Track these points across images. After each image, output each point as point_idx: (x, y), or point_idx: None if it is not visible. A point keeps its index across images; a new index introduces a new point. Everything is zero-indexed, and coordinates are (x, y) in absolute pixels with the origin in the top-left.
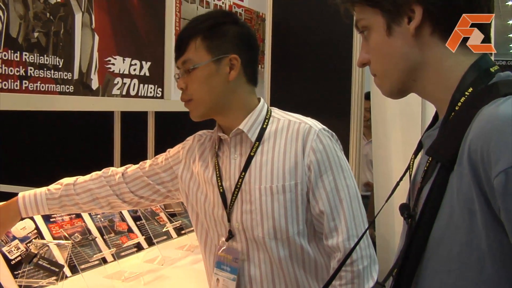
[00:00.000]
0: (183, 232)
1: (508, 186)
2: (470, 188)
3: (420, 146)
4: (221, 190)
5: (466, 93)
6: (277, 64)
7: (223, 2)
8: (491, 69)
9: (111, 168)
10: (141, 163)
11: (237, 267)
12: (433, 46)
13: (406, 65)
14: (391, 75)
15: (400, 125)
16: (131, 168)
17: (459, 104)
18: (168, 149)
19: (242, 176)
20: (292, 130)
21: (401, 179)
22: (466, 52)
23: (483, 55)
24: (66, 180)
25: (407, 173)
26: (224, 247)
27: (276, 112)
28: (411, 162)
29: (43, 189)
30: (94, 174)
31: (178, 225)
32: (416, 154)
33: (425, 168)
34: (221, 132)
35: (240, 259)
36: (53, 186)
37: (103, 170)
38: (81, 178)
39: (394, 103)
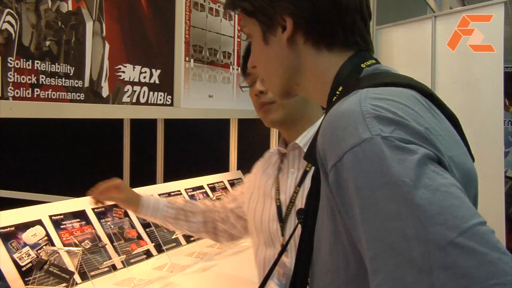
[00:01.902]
0: (192, 239)
1: (338, 180)
2: (326, 188)
3: None
4: (277, 204)
5: (337, 92)
6: None
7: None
8: (361, 64)
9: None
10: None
11: (283, 282)
12: (307, 53)
13: (285, 71)
14: (273, 80)
15: None
16: (232, 204)
17: (332, 103)
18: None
19: (296, 191)
20: None
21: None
22: (338, 54)
23: (356, 53)
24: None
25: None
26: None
27: None
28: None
29: (164, 199)
30: (205, 202)
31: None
32: None
33: (313, 173)
34: (282, 145)
35: (286, 277)
36: (171, 198)
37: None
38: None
39: None
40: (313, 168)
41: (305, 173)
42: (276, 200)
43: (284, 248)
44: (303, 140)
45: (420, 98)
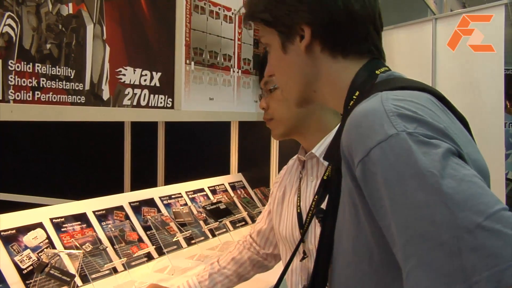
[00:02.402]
0: (193, 242)
1: (366, 174)
2: (349, 183)
3: None
4: (298, 211)
5: (354, 96)
6: None
7: (232, 13)
8: (376, 71)
9: (242, 237)
10: (262, 214)
11: None
12: (324, 61)
13: (302, 79)
14: (291, 88)
15: None
16: (258, 226)
17: (349, 107)
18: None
19: (315, 199)
20: None
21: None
22: (353, 61)
23: (370, 60)
24: (209, 262)
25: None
26: (299, 266)
27: None
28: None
29: (193, 277)
30: (231, 248)
31: (188, 235)
32: None
33: (331, 173)
34: (303, 153)
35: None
36: (200, 271)
37: (237, 241)
38: (222, 255)
39: None
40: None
41: (322, 181)
42: (297, 207)
43: (305, 254)
44: (319, 149)
45: (434, 100)
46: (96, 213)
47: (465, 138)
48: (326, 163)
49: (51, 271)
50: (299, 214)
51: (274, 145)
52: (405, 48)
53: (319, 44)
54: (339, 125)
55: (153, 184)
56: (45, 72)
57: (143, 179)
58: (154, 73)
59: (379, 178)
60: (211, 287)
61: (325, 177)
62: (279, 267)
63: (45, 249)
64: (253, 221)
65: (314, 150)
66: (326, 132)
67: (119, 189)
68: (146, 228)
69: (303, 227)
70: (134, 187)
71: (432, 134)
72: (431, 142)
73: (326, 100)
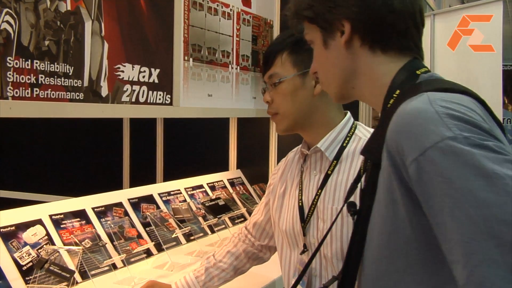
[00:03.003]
0: (192, 238)
1: (420, 172)
2: (390, 179)
3: None
4: (299, 204)
5: (394, 95)
6: None
7: (231, 9)
8: (417, 71)
9: (238, 229)
10: (258, 206)
11: (305, 281)
12: (363, 56)
13: (342, 74)
14: (331, 83)
15: None
16: (254, 218)
17: (389, 105)
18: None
19: (318, 193)
20: None
21: (355, 181)
22: (394, 59)
23: (411, 60)
24: (206, 256)
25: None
26: (298, 260)
27: (361, 129)
28: (364, 164)
29: (190, 272)
30: (226, 241)
31: (187, 231)
32: None
33: (366, 168)
34: (306, 147)
35: (313, 275)
36: (197, 267)
37: (232, 234)
38: (218, 249)
39: None
40: (336, 170)
41: (326, 176)
42: (299, 200)
43: (305, 248)
44: (325, 143)
45: (477, 104)
46: (95, 209)
47: (505, 142)
48: (330, 158)
49: (50, 267)
50: (301, 208)
51: (273, 142)
52: None
53: (359, 39)
54: (343, 123)
55: (152, 180)
56: (43, 68)
57: (142, 176)
58: (152, 69)
59: (437, 177)
60: (208, 281)
61: (329, 172)
62: (275, 263)
63: (44, 246)
64: None
65: (319, 145)
66: (331, 127)
67: (118, 186)
68: (145, 225)
69: (304, 221)
70: (133, 184)
71: (485, 137)
72: (488, 145)
73: (364, 96)
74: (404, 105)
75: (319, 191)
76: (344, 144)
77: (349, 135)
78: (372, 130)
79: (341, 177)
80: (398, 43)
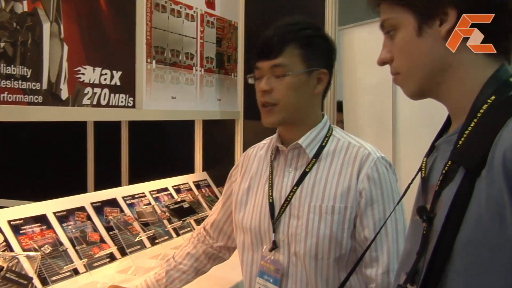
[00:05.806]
0: (156, 241)
1: None
2: (502, 195)
3: (431, 149)
4: (270, 200)
5: (489, 100)
6: (250, 73)
7: (194, 11)
8: (510, 79)
9: (196, 229)
10: (216, 205)
11: (278, 278)
12: (462, 52)
13: (433, 67)
14: (416, 75)
15: (372, 132)
16: (211, 218)
17: (481, 111)
18: (231, 172)
19: (293, 190)
20: (351, 153)
21: (412, 181)
22: (491, 60)
23: (503, 66)
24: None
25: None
26: (267, 257)
27: (337, 131)
28: (423, 164)
29: (150, 275)
30: (185, 242)
31: (151, 234)
32: (427, 156)
33: (443, 172)
34: (279, 142)
35: (280, 273)
36: (158, 270)
37: (191, 234)
38: (177, 251)
39: (366, 110)
40: (314, 168)
41: (304, 173)
42: (269, 197)
43: (274, 245)
44: (306, 140)
45: None
46: (56, 214)
47: None
48: (310, 155)
49: (7, 275)
50: (271, 204)
51: (238, 143)
52: (373, 47)
53: None
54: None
55: (117, 184)
56: None
57: (107, 179)
58: (114, 72)
59: None
60: (169, 284)
61: (307, 169)
62: (235, 261)
63: (1, 252)
64: None
65: (300, 141)
66: (312, 125)
67: (83, 190)
68: (109, 229)
69: (275, 217)
70: (98, 188)
71: None
72: None
73: (446, 95)
74: None
75: (295, 188)
76: (324, 144)
77: (327, 135)
78: (353, 136)
79: (319, 176)
80: (498, 43)
